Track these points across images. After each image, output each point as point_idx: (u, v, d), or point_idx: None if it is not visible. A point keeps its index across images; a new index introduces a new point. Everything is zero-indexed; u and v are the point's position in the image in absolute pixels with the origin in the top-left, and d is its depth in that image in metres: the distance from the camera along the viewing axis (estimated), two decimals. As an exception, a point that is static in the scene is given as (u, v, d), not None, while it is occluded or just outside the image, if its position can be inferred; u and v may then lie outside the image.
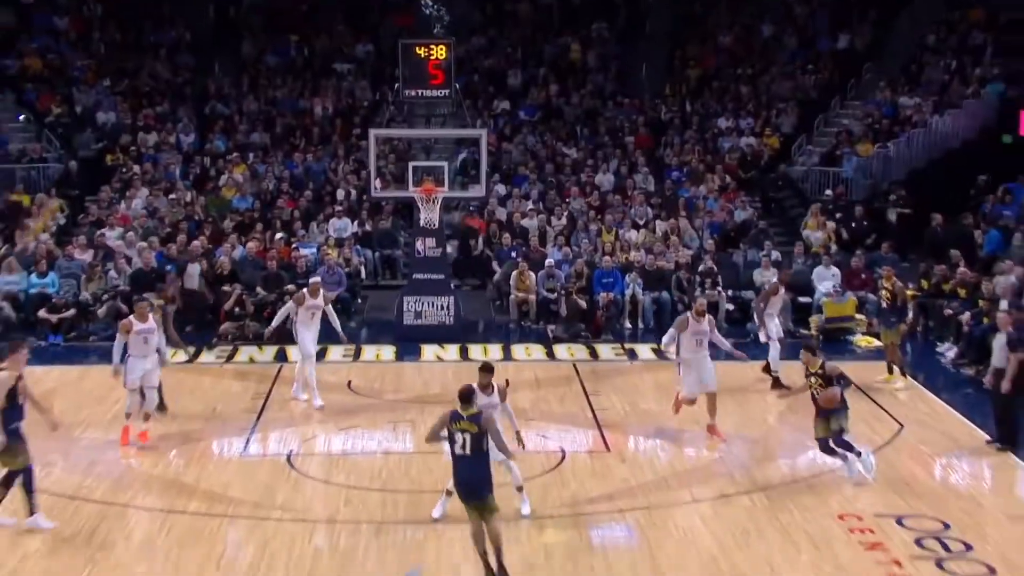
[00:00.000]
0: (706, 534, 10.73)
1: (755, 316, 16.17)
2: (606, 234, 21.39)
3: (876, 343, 17.72)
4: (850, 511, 11.25)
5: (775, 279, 16.46)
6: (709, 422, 13.39)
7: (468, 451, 9.42)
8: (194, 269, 18.10)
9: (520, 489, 11.06)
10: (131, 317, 13.23)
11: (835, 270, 19.86)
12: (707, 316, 13.52)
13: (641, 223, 21.97)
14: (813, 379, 11.93)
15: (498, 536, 9.46)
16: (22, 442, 10.43)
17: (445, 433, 9.55)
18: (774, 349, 15.53)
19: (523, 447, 11.51)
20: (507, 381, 11.58)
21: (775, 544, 10.50)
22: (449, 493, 10.62)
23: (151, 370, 13.09)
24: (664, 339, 13.81)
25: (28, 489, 10.53)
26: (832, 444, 11.95)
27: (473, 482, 9.43)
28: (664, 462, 12.82)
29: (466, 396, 9.59)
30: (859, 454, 11.94)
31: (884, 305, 16.33)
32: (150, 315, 13.16)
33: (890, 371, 16.00)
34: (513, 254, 20.70)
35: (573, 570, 9.93)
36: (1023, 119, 23.81)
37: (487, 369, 11.06)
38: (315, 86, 27.19)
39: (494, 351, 17.57)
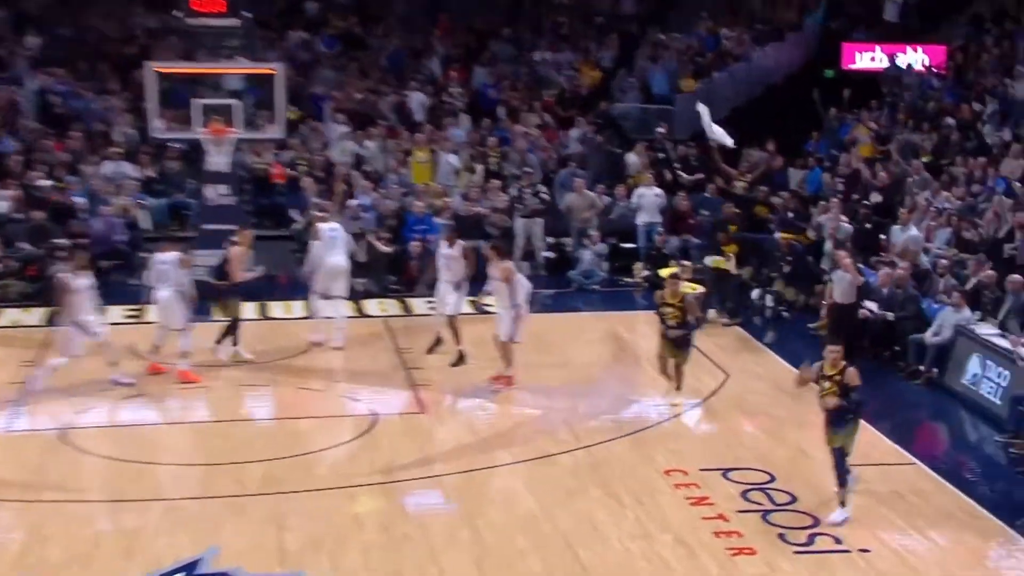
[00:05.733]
0: (527, 496, 10.96)
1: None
2: (418, 175, 21.35)
3: (700, 289, 18.34)
4: (676, 466, 11.68)
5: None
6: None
7: None
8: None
9: None
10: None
11: (659, 215, 20.44)
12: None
13: (457, 165, 21.95)
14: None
15: None
16: None
17: None
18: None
19: None
20: None
21: (598, 502, 10.83)
22: None
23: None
24: None
25: None
26: None
27: None
28: (483, 422, 13.01)
29: None
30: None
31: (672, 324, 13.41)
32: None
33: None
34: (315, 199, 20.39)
35: (387, 541, 9.99)
36: (845, 52, 24.86)
37: None
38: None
39: (296, 308, 17.36)
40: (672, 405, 13.42)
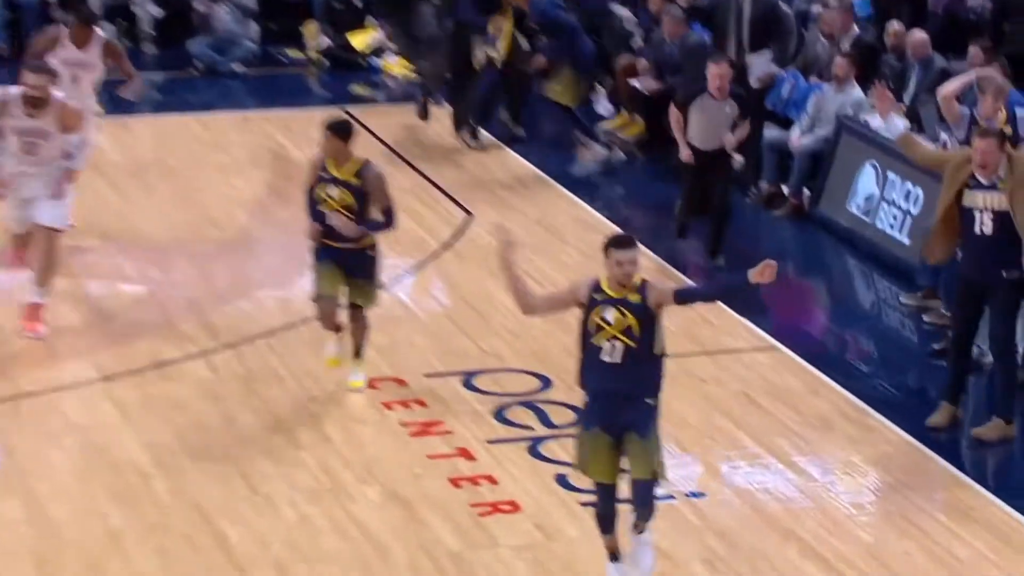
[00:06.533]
0: (126, 436, 10.99)
1: None
2: None
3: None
4: (385, 373, 11.96)
5: None
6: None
7: None
8: None
9: None
10: None
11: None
12: None
13: None
14: None
15: None
16: None
17: None
18: None
19: None
20: None
21: (254, 441, 10.99)
22: None
23: None
24: None
25: None
26: None
27: None
28: (47, 318, 12.75)
29: None
30: None
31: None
32: None
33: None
34: None
35: None
36: None
37: None
38: None
39: None
40: (353, 387, 11.94)
